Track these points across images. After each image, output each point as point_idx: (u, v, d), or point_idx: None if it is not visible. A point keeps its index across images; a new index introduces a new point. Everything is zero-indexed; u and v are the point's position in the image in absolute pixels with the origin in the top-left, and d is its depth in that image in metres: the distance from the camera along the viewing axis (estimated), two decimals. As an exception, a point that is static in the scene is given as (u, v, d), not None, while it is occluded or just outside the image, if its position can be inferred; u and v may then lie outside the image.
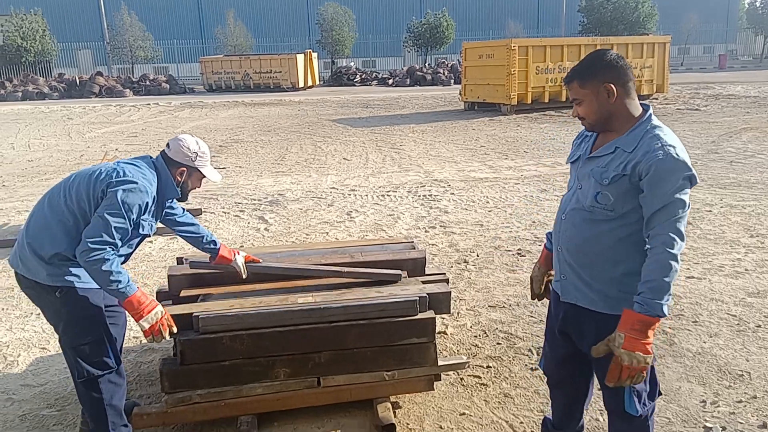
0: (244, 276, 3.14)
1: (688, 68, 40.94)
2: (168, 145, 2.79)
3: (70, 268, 2.52)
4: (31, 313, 4.47)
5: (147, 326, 2.46)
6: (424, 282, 3.32)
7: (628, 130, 2.13)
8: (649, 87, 18.83)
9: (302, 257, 3.57)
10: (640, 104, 2.18)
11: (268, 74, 30.99)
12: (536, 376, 3.47)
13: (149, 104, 23.25)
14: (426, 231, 6.34)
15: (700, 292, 4.56)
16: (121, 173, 2.54)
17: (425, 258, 3.56)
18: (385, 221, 6.74)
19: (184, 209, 3.08)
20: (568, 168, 2.39)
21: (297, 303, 3.01)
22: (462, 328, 4.09)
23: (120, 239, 2.47)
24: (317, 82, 33.55)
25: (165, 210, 2.89)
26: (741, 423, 2.97)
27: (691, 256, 5.32)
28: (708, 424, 2.96)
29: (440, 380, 3.27)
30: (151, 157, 2.79)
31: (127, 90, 29.62)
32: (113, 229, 2.43)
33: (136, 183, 2.52)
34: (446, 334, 3.98)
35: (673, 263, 1.98)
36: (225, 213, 7.28)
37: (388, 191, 8.15)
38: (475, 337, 3.97)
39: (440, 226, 6.51)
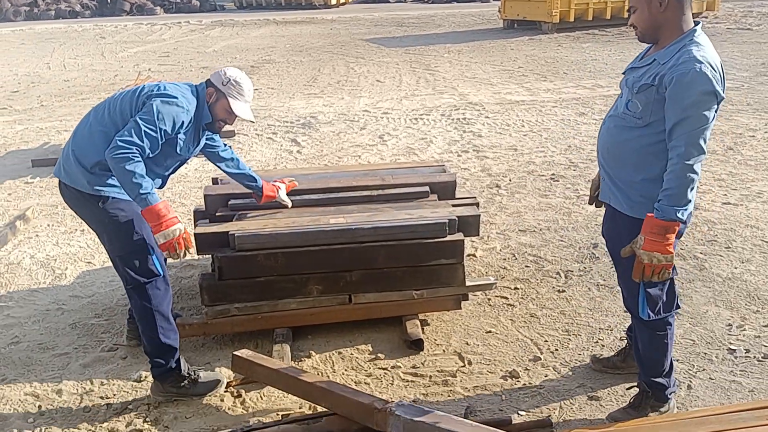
0: (290, 206, 3.28)
1: (744, -17, 38.31)
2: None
3: (112, 179, 2.58)
4: (76, 230, 4.67)
5: (163, 240, 2.45)
6: (454, 205, 3.35)
7: (669, 44, 2.18)
8: (699, 5, 17.69)
9: (334, 179, 3.62)
10: (693, 21, 2.20)
11: (299, -9, 30.08)
12: (563, 298, 3.53)
13: (180, 23, 22.97)
14: (459, 155, 6.30)
15: (735, 218, 4.49)
16: (162, 88, 2.62)
17: (455, 181, 3.57)
18: (417, 145, 6.70)
19: (226, 144, 3.10)
20: (608, 91, 2.43)
21: (329, 224, 3.08)
22: (491, 251, 4.14)
23: (149, 147, 2.49)
24: None
25: (206, 142, 2.91)
26: (766, 346, 3.00)
27: (729, 182, 5.20)
28: (732, 347, 3.00)
29: (468, 300, 3.36)
30: (194, 84, 2.81)
31: (158, 8, 29.17)
32: (143, 133, 2.46)
33: (175, 98, 2.58)
34: (475, 257, 4.04)
35: (689, 174, 2.09)
36: (258, 135, 7.33)
37: (421, 114, 8.05)
38: (504, 260, 4.02)
39: (473, 150, 6.46)
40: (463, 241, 3.12)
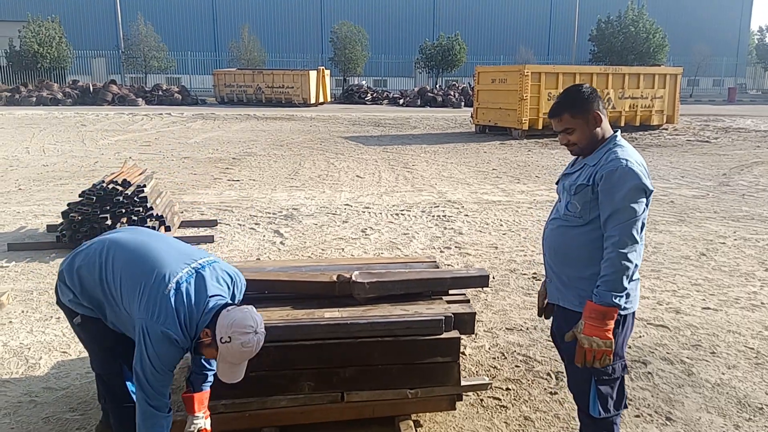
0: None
1: (697, 100, 41.12)
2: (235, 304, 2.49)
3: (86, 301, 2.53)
4: (51, 317, 4.50)
5: None
6: (448, 302, 3.35)
7: (596, 150, 2.45)
8: (659, 117, 18.94)
9: (327, 273, 3.60)
10: (612, 128, 2.51)
11: (280, 89, 31.26)
12: (556, 401, 3.48)
13: (161, 114, 23.45)
14: (441, 251, 6.37)
15: (716, 323, 4.57)
16: (159, 318, 2.30)
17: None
18: (400, 240, 6.77)
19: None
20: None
21: (323, 317, 3.04)
22: (480, 350, 4.10)
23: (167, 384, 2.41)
24: (329, 99, 33.80)
25: None
26: (763, 456, 2.97)
27: (706, 288, 5.33)
28: (730, 456, 2.97)
29: (461, 400, 3.28)
30: (220, 303, 2.43)
31: (140, 99, 29.86)
32: (156, 390, 2.35)
33: (168, 338, 2.31)
34: (465, 355, 3.99)
35: (624, 261, 2.22)
36: (240, 225, 7.33)
37: (402, 210, 8.20)
38: (494, 359, 3.99)
39: (455, 246, 6.55)
40: (459, 338, 3.09)
